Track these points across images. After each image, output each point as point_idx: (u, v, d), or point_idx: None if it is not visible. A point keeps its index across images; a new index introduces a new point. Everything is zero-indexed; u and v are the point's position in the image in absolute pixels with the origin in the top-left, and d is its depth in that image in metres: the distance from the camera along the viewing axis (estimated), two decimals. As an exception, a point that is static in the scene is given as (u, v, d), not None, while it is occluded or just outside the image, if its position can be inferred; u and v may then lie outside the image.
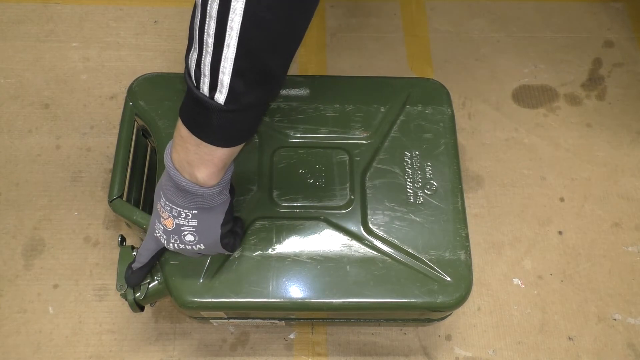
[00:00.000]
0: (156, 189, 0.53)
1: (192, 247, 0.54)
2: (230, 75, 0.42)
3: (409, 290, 0.59)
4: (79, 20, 0.97)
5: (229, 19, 0.40)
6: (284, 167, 0.65)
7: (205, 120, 0.45)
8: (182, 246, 0.54)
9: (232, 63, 0.41)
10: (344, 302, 0.58)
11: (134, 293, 0.60)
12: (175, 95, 0.68)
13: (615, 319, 0.77)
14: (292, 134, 0.67)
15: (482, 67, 0.96)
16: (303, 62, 0.95)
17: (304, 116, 0.68)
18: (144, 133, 0.71)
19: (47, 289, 0.76)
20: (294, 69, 0.94)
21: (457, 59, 0.97)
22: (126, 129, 0.67)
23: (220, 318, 0.65)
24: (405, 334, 0.75)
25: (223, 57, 0.41)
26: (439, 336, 0.75)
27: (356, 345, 0.75)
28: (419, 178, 0.65)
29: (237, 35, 0.40)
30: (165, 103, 0.67)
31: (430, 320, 0.67)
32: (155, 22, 0.98)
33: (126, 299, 0.60)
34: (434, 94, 0.70)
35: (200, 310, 0.60)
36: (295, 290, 0.59)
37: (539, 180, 0.87)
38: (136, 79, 0.69)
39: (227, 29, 0.40)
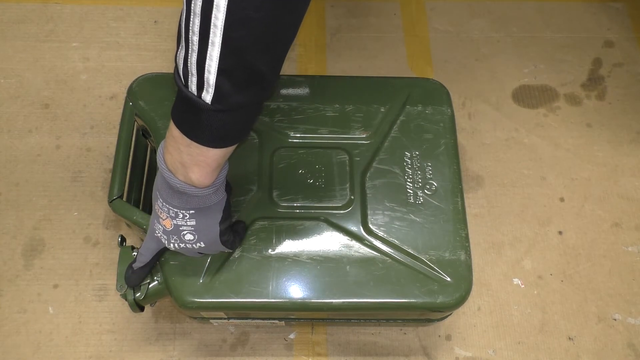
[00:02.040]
0: (153, 189, 0.53)
1: (192, 246, 0.54)
2: (215, 74, 0.41)
3: (409, 291, 0.59)
4: (79, 20, 0.97)
5: (213, 16, 0.39)
6: (284, 167, 0.65)
7: (195, 120, 0.44)
8: (182, 245, 0.54)
9: (217, 61, 0.41)
10: (344, 302, 0.58)
11: (134, 293, 0.60)
12: (175, 95, 0.68)
13: (615, 319, 0.77)
14: (292, 134, 0.67)
15: (482, 67, 0.96)
16: (303, 62, 0.95)
17: (304, 116, 0.68)
18: (144, 133, 0.71)
19: (47, 289, 0.76)
20: (293, 69, 0.94)
21: (457, 59, 0.97)
22: (126, 129, 0.67)
23: (220, 318, 0.65)
24: (405, 334, 0.75)
25: (208, 55, 0.41)
26: (439, 336, 0.75)
27: (356, 345, 0.75)
28: (419, 178, 0.65)
29: (221, 33, 0.40)
30: (165, 103, 0.67)
31: (430, 320, 0.67)
32: (155, 22, 0.98)
33: (126, 299, 0.60)
34: (434, 94, 0.70)
35: (200, 310, 0.60)
36: (295, 290, 0.59)
37: (539, 180, 0.87)
38: (136, 79, 0.69)
39: (212, 27, 0.40)
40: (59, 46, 0.95)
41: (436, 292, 0.59)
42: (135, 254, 0.61)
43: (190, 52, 0.42)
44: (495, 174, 0.87)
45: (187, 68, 0.42)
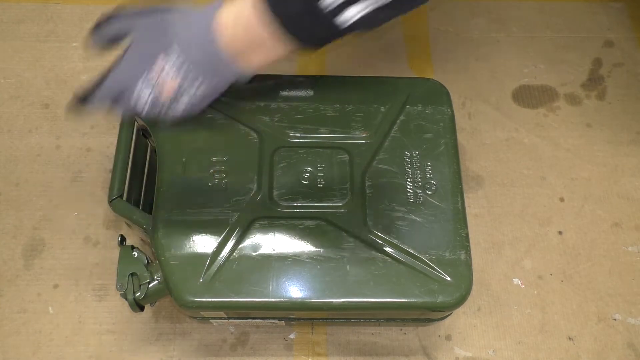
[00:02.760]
0: (151, 35, 0.52)
1: (171, 112, 0.54)
2: None
3: (409, 290, 0.59)
4: (79, 20, 0.97)
5: None
6: (284, 167, 0.65)
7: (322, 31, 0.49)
8: (159, 109, 0.54)
9: None
10: (344, 301, 0.58)
11: (134, 292, 0.60)
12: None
13: (615, 319, 0.77)
14: (292, 134, 0.67)
15: (482, 67, 0.96)
16: (303, 62, 0.95)
17: (304, 116, 0.68)
18: (144, 133, 0.71)
19: (47, 289, 0.76)
20: (293, 69, 0.94)
21: (457, 59, 0.97)
22: (126, 129, 0.67)
23: (220, 318, 0.65)
24: (405, 334, 0.75)
25: None
26: (439, 336, 0.75)
27: (356, 345, 0.74)
28: (419, 178, 0.65)
29: None
30: (165, 103, 0.67)
31: (430, 320, 0.68)
32: (155, 22, 0.98)
33: (126, 299, 0.60)
34: (434, 94, 0.70)
35: (200, 310, 0.60)
36: (295, 290, 0.59)
37: (539, 180, 0.87)
38: (136, 79, 0.69)
39: None
40: (59, 46, 0.95)
41: (436, 291, 0.59)
42: (135, 254, 0.61)
43: None
44: (495, 174, 0.87)
45: None
